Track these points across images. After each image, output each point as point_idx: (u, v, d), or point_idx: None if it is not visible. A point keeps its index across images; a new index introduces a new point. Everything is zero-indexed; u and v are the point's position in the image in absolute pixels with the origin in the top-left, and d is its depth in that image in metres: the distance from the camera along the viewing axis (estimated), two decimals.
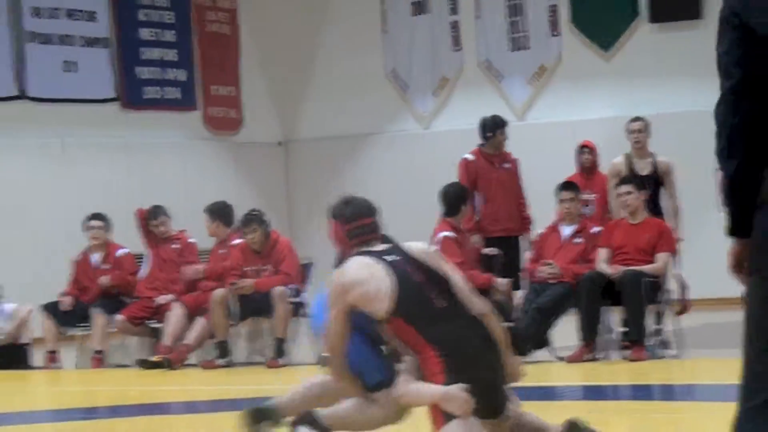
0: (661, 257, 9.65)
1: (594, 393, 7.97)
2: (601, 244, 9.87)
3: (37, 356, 11.14)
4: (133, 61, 14.99)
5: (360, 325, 5.03)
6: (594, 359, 9.37)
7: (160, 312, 11.01)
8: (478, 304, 4.92)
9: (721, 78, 2.79)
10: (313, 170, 16.22)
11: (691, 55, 13.85)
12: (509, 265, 10.57)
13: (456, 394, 4.63)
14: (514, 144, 11.42)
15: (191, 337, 10.68)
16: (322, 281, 11.12)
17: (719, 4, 2.86)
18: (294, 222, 16.13)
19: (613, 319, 9.95)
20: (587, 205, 10.66)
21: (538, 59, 15.20)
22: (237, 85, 16.11)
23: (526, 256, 10.61)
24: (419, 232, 10.92)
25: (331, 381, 5.27)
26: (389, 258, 4.94)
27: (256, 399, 8.34)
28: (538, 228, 10.67)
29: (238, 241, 10.83)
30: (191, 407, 8.48)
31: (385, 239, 5.18)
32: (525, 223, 11.05)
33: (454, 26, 15.66)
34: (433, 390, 4.71)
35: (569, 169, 11.00)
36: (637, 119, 10.68)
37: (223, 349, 10.54)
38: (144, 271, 11.27)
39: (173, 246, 11.26)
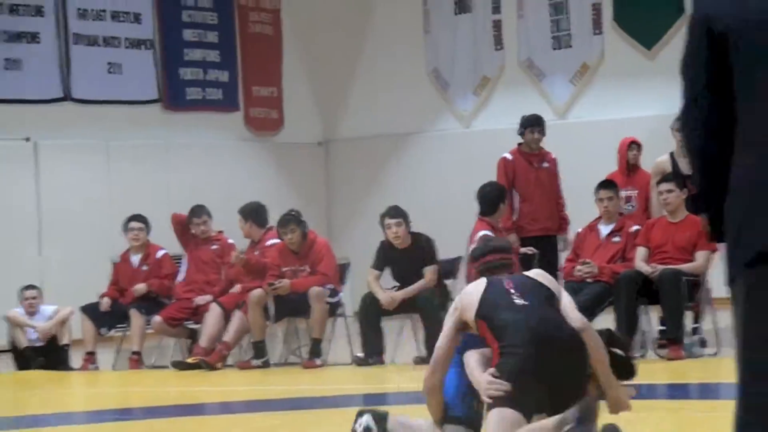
0: (701, 255, 9.54)
1: None
2: (639, 242, 9.78)
3: (76, 357, 11.20)
4: (176, 63, 15.05)
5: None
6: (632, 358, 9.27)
7: (197, 313, 11.03)
8: (577, 320, 5.01)
9: (685, 83, 2.84)
10: (353, 170, 16.20)
11: None
12: (547, 265, 10.48)
13: (487, 379, 4.77)
14: (555, 143, 11.34)
15: (230, 333, 10.68)
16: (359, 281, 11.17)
17: None
18: (332, 222, 16.12)
19: (651, 318, 9.85)
20: (630, 202, 10.57)
21: (581, 57, 15.08)
22: (279, 86, 16.13)
23: (563, 255, 10.54)
24: (459, 231, 10.91)
25: None
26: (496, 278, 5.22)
27: (292, 399, 8.37)
28: (577, 227, 10.58)
29: (273, 241, 10.82)
30: (227, 408, 8.49)
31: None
32: (563, 222, 10.98)
33: (496, 25, 15.58)
34: (476, 373, 4.91)
35: (611, 168, 10.91)
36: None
37: (260, 350, 10.54)
38: (182, 274, 11.30)
39: (212, 247, 11.28)
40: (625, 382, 5.14)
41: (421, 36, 15.97)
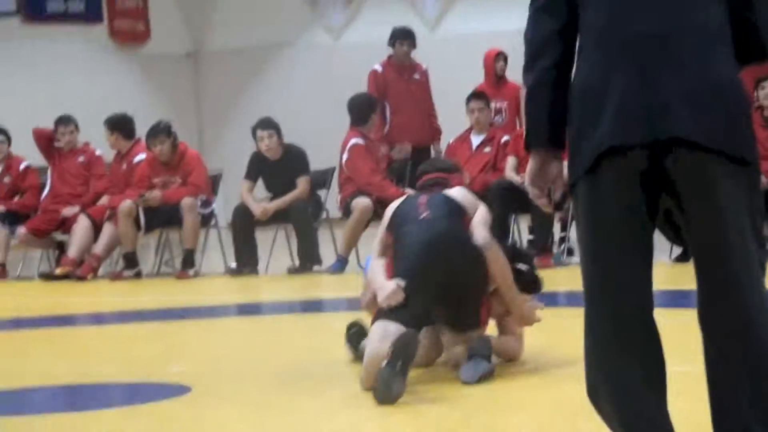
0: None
1: None
2: (509, 152, 9.90)
3: None
4: None
5: None
6: None
7: (65, 225, 10.86)
8: (481, 237, 4.98)
9: None
10: (223, 81, 16.02)
11: None
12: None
13: (392, 287, 4.77)
14: (426, 55, 11.35)
15: (100, 245, 10.57)
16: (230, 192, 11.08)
17: None
18: (203, 134, 15.96)
19: (522, 227, 10.01)
20: (499, 114, 10.66)
21: None
22: None
23: None
24: (331, 143, 10.90)
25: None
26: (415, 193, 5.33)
27: (164, 310, 8.32)
28: (449, 138, 10.65)
29: (141, 156, 10.68)
30: (97, 319, 8.39)
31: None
32: (435, 133, 11.06)
33: None
34: (381, 278, 4.91)
35: (482, 81, 10.97)
36: None
37: (131, 261, 10.44)
38: (47, 187, 11.10)
39: (79, 159, 11.10)
40: (530, 296, 5.17)
41: None
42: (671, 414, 2.78)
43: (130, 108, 11.52)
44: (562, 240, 9.99)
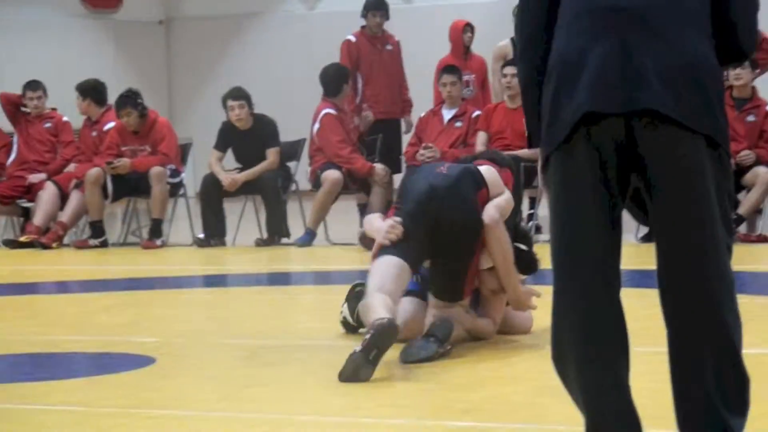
0: None
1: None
2: (479, 127, 9.89)
3: None
4: None
5: None
6: None
7: (31, 192, 10.78)
8: (489, 216, 4.95)
9: None
10: (195, 50, 15.92)
11: None
12: (390, 148, 10.57)
13: (389, 223, 4.82)
14: (399, 27, 11.30)
15: (66, 213, 10.50)
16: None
17: None
18: (174, 102, 15.87)
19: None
20: (468, 86, 10.65)
21: None
22: None
23: (406, 138, 10.60)
24: (302, 114, 10.85)
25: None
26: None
27: (131, 280, 8.29)
28: (419, 111, 10.64)
29: (111, 124, 10.61)
30: (62, 287, 8.35)
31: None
32: (406, 105, 11.04)
33: None
34: (377, 222, 4.99)
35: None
36: None
37: (97, 230, 10.38)
38: (14, 153, 11.01)
39: (46, 125, 11.02)
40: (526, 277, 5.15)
41: None
42: (634, 394, 2.79)
43: (100, 75, 11.45)
44: (531, 217, 10.01)
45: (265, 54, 15.50)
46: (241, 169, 10.29)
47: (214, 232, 10.12)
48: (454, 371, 4.65)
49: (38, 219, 10.55)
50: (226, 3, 15.80)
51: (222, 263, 9.58)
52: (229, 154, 10.42)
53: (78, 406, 4.23)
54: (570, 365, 2.76)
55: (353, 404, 4.21)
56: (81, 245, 10.37)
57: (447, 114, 10.16)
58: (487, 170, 5.14)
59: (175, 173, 10.46)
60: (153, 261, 9.51)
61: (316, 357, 4.97)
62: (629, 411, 2.76)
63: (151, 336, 5.58)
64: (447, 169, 5.12)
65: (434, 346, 4.79)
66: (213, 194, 10.15)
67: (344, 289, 5.54)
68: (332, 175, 9.77)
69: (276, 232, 10.03)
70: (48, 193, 10.62)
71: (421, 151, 9.85)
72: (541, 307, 4.93)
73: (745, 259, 7.84)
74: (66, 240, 10.62)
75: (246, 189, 10.22)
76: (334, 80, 10.06)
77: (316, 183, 9.96)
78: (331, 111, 9.94)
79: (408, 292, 5.16)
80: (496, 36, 10.84)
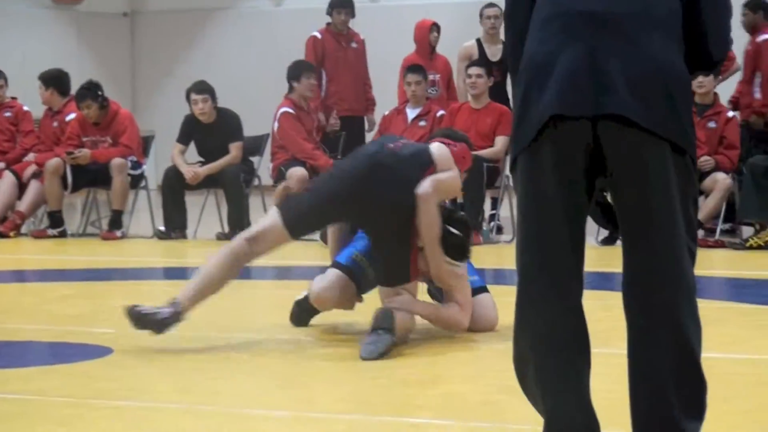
0: (500, 141, 9.73)
1: None
2: (443, 126, 9.90)
3: None
4: None
5: None
6: None
7: None
8: (422, 187, 4.96)
9: None
10: (159, 43, 15.85)
11: None
12: (353, 145, 10.54)
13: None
14: (364, 25, 11.30)
15: (24, 203, 10.44)
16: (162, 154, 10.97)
17: None
18: (137, 94, 15.80)
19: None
20: (434, 86, 10.67)
21: None
22: None
23: (369, 136, 10.60)
24: (265, 109, 10.83)
25: None
26: None
27: (89, 270, 8.24)
28: (383, 109, 10.64)
29: (73, 115, 10.55)
30: (19, 276, 8.29)
31: None
32: (369, 103, 11.05)
33: None
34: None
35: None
36: (492, 5, 10.66)
37: (56, 220, 10.32)
38: None
39: (6, 114, 10.96)
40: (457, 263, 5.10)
41: None
42: (592, 396, 2.80)
43: (63, 65, 11.37)
44: (492, 217, 10.04)
45: (229, 49, 15.46)
46: (204, 163, 10.26)
47: (175, 225, 10.09)
48: (412, 368, 4.65)
49: None
50: None
51: (182, 256, 9.54)
52: (192, 147, 10.38)
53: (34, 395, 4.21)
54: (529, 365, 2.77)
55: (308, 398, 4.21)
56: (39, 235, 10.31)
57: (411, 113, 10.17)
58: (437, 147, 5.15)
59: (137, 165, 10.42)
60: (112, 252, 9.46)
61: (274, 351, 4.96)
62: (588, 412, 2.77)
63: (108, 327, 5.54)
64: (398, 147, 5.12)
65: (386, 337, 4.79)
66: (175, 187, 10.11)
67: (305, 285, 5.54)
68: (298, 172, 9.75)
69: (237, 226, 9.98)
70: (6, 182, 10.55)
71: None
72: (506, 305, 4.95)
73: (703, 263, 7.89)
74: (24, 230, 10.55)
75: (208, 183, 10.19)
76: (288, 76, 10.04)
77: (279, 178, 9.94)
78: (289, 110, 9.92)
79: (339, 266, 5.21)
80: (461, 36, 10.87)
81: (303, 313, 5.44)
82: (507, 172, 9.84)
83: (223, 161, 10.13)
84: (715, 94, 9.56)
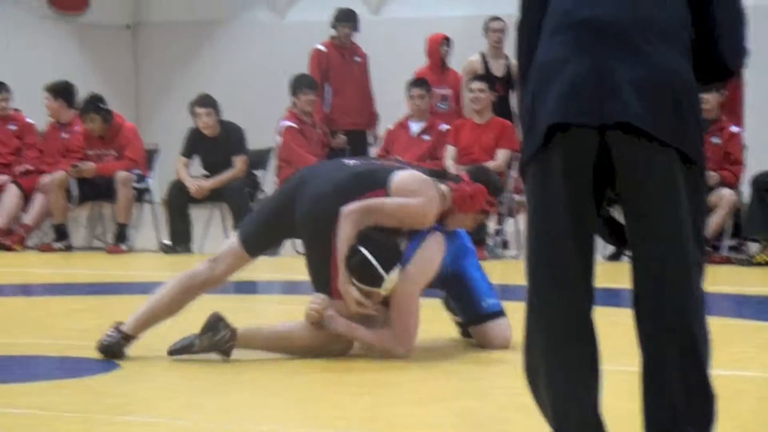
0: (501, 154, 9.74)
1: (431, 292, 8.12)
2: (448, 141, 9.93)
3: None
4: None
5: None
6: None
7: None
8: (350, 205, 4.93)
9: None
10: (163, 55, 15.86)
11: None
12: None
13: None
14: (368, 39, 11.33)
15: (30, 216, 10.46)
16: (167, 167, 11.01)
17: None
18: (141, 107, 15.81)
19: None
20: (445, 101, 10.68)
21: None
22: None
23: (373, 150, 10.62)
24: (270, 123, 10.84)
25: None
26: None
27: (95, 284, 8.24)
28: (387, 123, 10.66)
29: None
30: (25, 290, 8.29)
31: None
32: (372, 118, 11.07)
33: None
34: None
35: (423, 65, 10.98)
36: (497, 19, 10.68)
37: (61, 233, 10.33)
38: None
39: (10, 127, 10.97)
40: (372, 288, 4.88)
41: None
42: (603, 413, 2.80)
43: (66, 78, 11.40)
44: (497, 232, 10.03)
45: (233, 61, 15.47)
46: (208, 176, 10.27)
47: (180, 239, 10.10)
48: (423, 384, 4.65)
49: (1, 220, 10.49)
50: (196, 9, 15.77)
51: (187, 270, 9.51)
52: (196, 160, 10.40)
53: (41, 410, 4.21)
54: (540, 378, 2.78)
55: (317, 416, 4.21)
56: (45, 248, 10.31)
57: (415, 127, 10.19)
58: (404, 174, 4.98)
59: (142, 178, 10.44)
60: (118, 266, 9.47)
61: (281, 368, 4.96)
62: (597, 426, 2.78)
63: None
64: (358, 164, 5.13)
65: (192, 338, 4.99)
66: (179, 200, 10.12)
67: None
68: None
69: None
70: (11, 194, 10.57)
71: None
72: (514, 321, 4.94)
73: (709, 280, 7.88)
74: (29, 243, 10.56)
75: (213, 196, 10.20)
76: (290, 89, 10.09)
77: None
78: (291, 124, 9.95)
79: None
80: (466, 51, 10.88)
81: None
82: (509, 187, 9.84)
83: (228, 175, 10.15)
84: (719, 109, 9.56)
